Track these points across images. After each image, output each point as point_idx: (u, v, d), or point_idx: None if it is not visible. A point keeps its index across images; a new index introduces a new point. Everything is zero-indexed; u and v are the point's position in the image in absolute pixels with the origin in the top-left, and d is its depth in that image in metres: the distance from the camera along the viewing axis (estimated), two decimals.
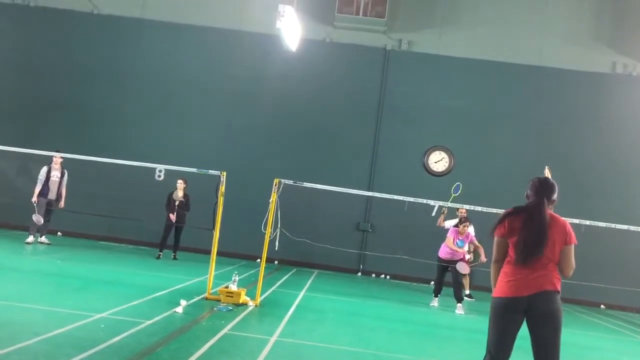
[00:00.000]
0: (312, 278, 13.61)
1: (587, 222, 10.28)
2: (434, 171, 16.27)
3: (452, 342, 8.17)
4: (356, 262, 16.24)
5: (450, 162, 16.24)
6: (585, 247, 15.45)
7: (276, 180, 9.03)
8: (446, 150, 16.30)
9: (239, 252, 15.29)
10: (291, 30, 13.29)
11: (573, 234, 4.28)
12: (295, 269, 14.93)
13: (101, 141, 15.99)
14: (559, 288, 4.20)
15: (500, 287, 4.25)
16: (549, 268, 4.22)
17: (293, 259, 15.60)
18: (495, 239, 4.37)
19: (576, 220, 10.14)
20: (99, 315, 6.50)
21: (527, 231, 4.20)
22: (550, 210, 4.35)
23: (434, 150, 16.35)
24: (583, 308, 14.57)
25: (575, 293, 14.94)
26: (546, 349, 4.12)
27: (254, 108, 16.65)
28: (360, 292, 12.38)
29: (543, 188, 4.39)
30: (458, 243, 11.13)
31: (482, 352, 4.38)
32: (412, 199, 11.50)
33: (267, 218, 8.93)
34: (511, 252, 4.28)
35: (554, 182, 4.47)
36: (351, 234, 16.24)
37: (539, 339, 4.13)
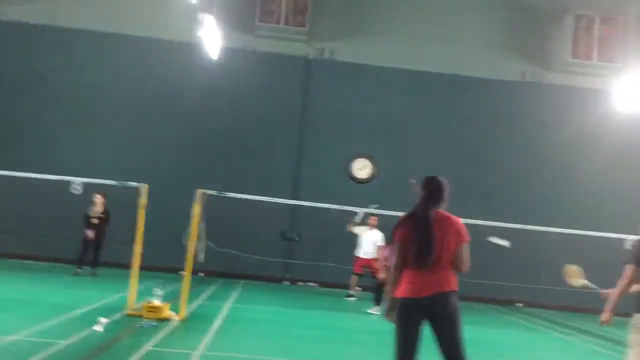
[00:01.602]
0: (238, 289, 13.46)
1: (515, 225, 10.73)
2: (358, 178, 16.51)
3: (380, 347, 8.26)
4: (283, 271, 16.18)
5: (373, 169, 16.52)
6: (505, 248, 16.02)
7: (199, 192, 8.88)
8: (369, 158, 16.57)
9: (163, 266, 14.87)
10: (211, 39, 13.16)
11: (466, 232, 4.36)
12: (221, 281, 14.70)
13: (15, 155, 15.18)
14: (455, 288, 4.29)
15: (401, 288, 4.30)
16: (446, 268, 4.29)
17: (219, 271, 15.34)
18: (395, 244, 4.41)
19: (503, 223, 10.56)
20: (11, 338, 6.15)
21: (422, 234, 4.26)
22: (441, 210, 4.39)
23: (358, 158, 16.59)
24: (502, 307, 15.13)
25: (494, 292, 15.55)
26: (450, 347, 4.20)
27: (176, 118, 16.32)
28: (287, 302, 12.35)
29: (434, 188, 4.44)
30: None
31: None
32: (337, 207, 11.61)
33: (190, 230, 8.76)
34: (409, 255, 4.30)
35: (443, 180, 4.49)
36: (277, 243, 16.18)
37: (442, 338, 4.21)
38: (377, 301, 10.79)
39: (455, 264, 4.33)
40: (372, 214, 12.57)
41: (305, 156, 16.64)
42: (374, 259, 12.32)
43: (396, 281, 4.36)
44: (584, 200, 16.23)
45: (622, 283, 5.05)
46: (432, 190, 4.43)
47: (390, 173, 16.16)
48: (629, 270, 5.05)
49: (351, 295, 13.29)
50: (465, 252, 4.35)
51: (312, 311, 11.22)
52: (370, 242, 12.71)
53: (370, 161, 16.58)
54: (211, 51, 14.04)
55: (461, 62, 16.96)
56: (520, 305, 15.81)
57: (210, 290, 12.69)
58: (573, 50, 16.87)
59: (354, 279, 13.30)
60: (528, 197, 16.41)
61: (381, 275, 11.15)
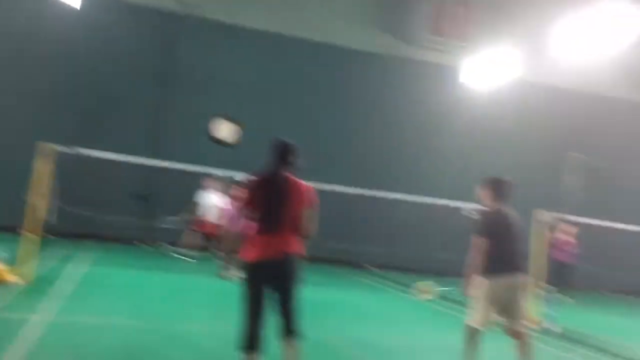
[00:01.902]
0: (93, 251, 12.93)
1: (360, 191, 11.25)
2: (221, 141, 16.30)
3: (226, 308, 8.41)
4: (139, 232, 15.76)
5: (238, 132, 16.40)
6: (355, 213, 16.83)
7: (43, 145, 8.30)
8: (234, 121, 16.40)
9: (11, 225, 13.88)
10: None
11: (314, 197, 4.51)
12: (74, 243, 14.00)
13: None
14: (300, 251, 4.47)
15: (250, 251, 4.40)
16: (292, 232, 4.44)
17: (72, 232, 14.61)
18: (242, 207, 4.51)
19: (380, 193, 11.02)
20: None
21: (272, 198, 4.39)
22: (290, 175, 4.50)
23: (222, 120, 16.35)
24: (351, 269, 15.92)
25: (341, 254, 16.33)
26: (287, 303, 4.42)
27: (30, 68, 15.08)
28: (144, 263, 12.12)
29: (285, 151, 4.52)
30: (226, 208, 11.31)
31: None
32: (198, 168, 11.50)
33: (36, 187, 8.23)
34: (257, 218, 4.41)
35: (294, 145, 4.57)
36: (134, 203, 15.70)
37: (282, 296, 4.41)
38: (227, 264, 10.66)
39: (303, 228, 4.47)
40: (219, 177, 12.55)
41: (166, 114, 16.16)
42: (217, 223, 12.12)
43: (242, 244, 4.46)
44: (436, 170, 17.42)
45: (473, 255, 5.56)
46: (283, 154, 4.51)
47: (255, 136, 16.16)
48: (478, 241, 5.57)
49: (190, 257, 12.96)
50: (312, 216, 4.50)
51: (167, 273, 11.10)
52: (213, 205, 12.59)
53: (236, 124, 16.42)
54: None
55: (328, 31, 17.26)
56: (370, 267, 16.73)
57: (61, 252, 12.08)
58: (431, 27, 17.78)
59: (193, 239, 12.97)
60: (383, 165, 17.26)
61: (224, 238, 11.27)
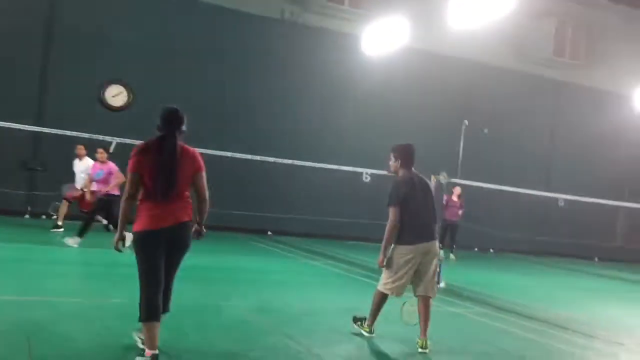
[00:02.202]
0: None
1: (258, 158, 11.13)
2: (112, 106, 15.50)
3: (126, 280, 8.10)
4: (24, 204, 14.76)
5: (129, 96, 15.66)
6: (255, 180, 16.72)
7: None
8: (125, 85, 15.65)
9: None
10: None
11: (202, 162, 4.51)
12: None
13: None
14: (191, 218, 4.46)
15: (141, 221, 4.32)
16: (184, 199, 4.42)
17: None
18: (129, 174, 4.35)
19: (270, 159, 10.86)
20: None
21: (160, 165, 4.29)
22: (179, 141, 4.43)
23: (111, 84, 15.55)
24: (253, 235, 15.86)
25: (246, 223, 16.22)
26: (174, 267, 4.47)
27: None
28: (29, 237, 11.36)
29: (173, 119, 4.43)
30: (98, 174, 10.72)
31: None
32: (86, 135, 10.90)
33: None
34: (147, 186, 4.32)
35: (183, 112, 4.52)
36: (17, 173, 14.65)
37: (170, 261, 4.40)
38: (80, 233, 10.12)
39: (196, 193, 4.48)
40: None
41: (52, 80, 15.11)
42: (84, 190, 11.63)
43: (129, 212, 4.35)
44: (335, 137, 17.54)
45: (389, 226, 5.62)
46: (172, 121, 4.41)
47: (146, 101, 15.50)
48: (393, 213, 5.62)
49: (59, 227, 12.22)
50: (203, 180, 4.50)
51: (55, 246, 10.45)
52: (80, 171, 12.12)
53: (126, 88, 15.67)
54: None
55: None
56: (270, 233, 16.75)
57: None
58: None
59: (63, 208, 12.35)
60: (281, 132, 17.16)
61: (90, 206, 10.96)
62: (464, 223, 16.53)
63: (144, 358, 4.23)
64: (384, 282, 5.80)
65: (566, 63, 21.08)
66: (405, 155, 5.89)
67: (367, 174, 16.87)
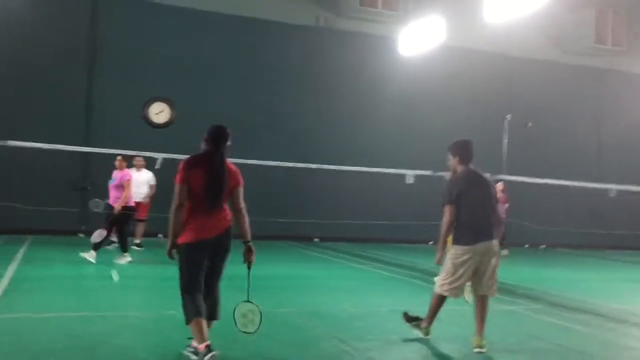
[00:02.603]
0: (25, 246, 12.35)
1: (301, 165, 11.21)
2: (155, 123, 15.91)
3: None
4: (77, 223, 15.21)
5: (171, 113, 16.03)
6: (299, 188, 16.84)
7: None
8: (167, 101, 16.02)
9: None
10: None
11: (241, 177, 4.76)
12: (5, 238, 13.35)
13: None
14: (232, 224, 4.70)
15: (188, 233, 4.55)
16: (226, 209, 4.70)
17: (6, 227, 13.91)
18: (177, 185, 4.55)
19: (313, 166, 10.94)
20: None
21: (211, 177, 4.54)
22: (224, 156, 4.68)
23: (154, 102, 15.95)
24: (301, 243, 15.94)
25: (293, 231, 16.32)
26: (218, 275, 4.75)
27: None
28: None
29: (221, 136, 4.70)
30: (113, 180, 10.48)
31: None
32: (133, 152, 11.17)
33: None
34: (195, 198, 4.54)
35: (228, 129, 4.76)
36: (69, 193, 15.11)
37: (214, 269, 4.70)
38: (95, 247, 10.17)
39: (235, 206, 4.71)
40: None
41: (97, 100, 15.56)
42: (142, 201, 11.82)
43: (178, 221, 4.56)
44: (375, 140, 17.50)
45: (445, 225, 5.50)
46: (220, 137, 4.69)
47: (189, 117, 15.82)
48: (447, 211, 5.48)
49: (139, 245, 12.41)
50: (241, 194, 4.75)
51: (109, 261, 10.73)
52: (141, 183, 12.08)
53: (168, 105, 16.04)
54: None
55: (258, 6, 16.94)
56: (317, 240, 16.78)
57: None
58: None
59: (141, 227, 12.51)
60: (322, 139, 17.22)
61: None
62: (512, 219, 16.26)
63: (201, 351, 4.39)
64: (440, 283, 5.65)
65: (609, 50, 20.51)
66: (463, 151, 5.73)
67: (410, 176, 16.79)
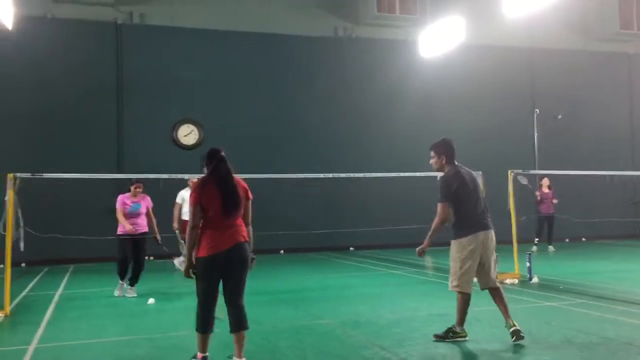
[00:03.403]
0: (68, 274, 12.66)
1: (331, 175, 11.24)
2: (184, 145, 16.17)
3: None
4: (111, 251, 15.42)
5: (199, 134, 16.27)
6: (330, 198, 16.78)
7: (10, 175, 8.14)
8: (194, 123, 16.27)
9: None
10: (4, 6, 11.88)
11: (250, 192, 5.04)
12: (47, 268, 13.69)
13: None
14: (247, 239, 4.94)
15: (204, 247, 4.79)
16: (238, 223, 4.91)
17: (44, 258, 14.29)
18: (191, 207, 4.85)
19: (342, 174, 10.98)
20: None
21: (225, 195, 4.80)
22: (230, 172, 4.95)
23: (182, 124, 16.22)
24: (336, 253, 15.93)
25: (329, 241, 16.32)
26: (239, 285, 4.90)
27: None
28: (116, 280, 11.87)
29: (216, 154, 4.99)
30: (133, 207, 9.63)
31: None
32: (165, 176, 11.33)
33: (5, 218, 8.04)
34: (210, 213, 4.79)
35: (224, 151, 5.04)
36: (106, 220, 15.37)
37: (234, 279, 4.87)
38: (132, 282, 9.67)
39: (245, 219, 4.98)
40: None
41: (126, 126, 15.86)
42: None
43: (194, 240, 4.81)
44: (399, 145, 17.43)
45: (438, 220, 5.76)
46: (222, 159, 4.96)
47: (217, 136, 16.02)
48: (442, 208, 5.75)
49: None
50: (249, 207, 5.03)
51: (148, 285, 10.88)
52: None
53: (196, 126, 16.29)
54: (5, 19, 12.64)
55: (275, 21, 17.11)
56: (353, 249, 16.76)
57: (35, 280, 11.81)
58: (378, 4, 17.70)
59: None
60: (349, 148, 17.24)
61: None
62: (552, 214, 16.02)
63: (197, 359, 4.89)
64: (451, 280, 5.83)
65: (636, 35, 20.10)
66: (448, 149, 6.01)
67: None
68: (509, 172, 10.71)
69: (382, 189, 16.46)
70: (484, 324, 6.49)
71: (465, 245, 5.69)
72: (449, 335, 5.83)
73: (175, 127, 16.12)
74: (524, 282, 9.67)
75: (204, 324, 4.87)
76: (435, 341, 5.83)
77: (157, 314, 7.96)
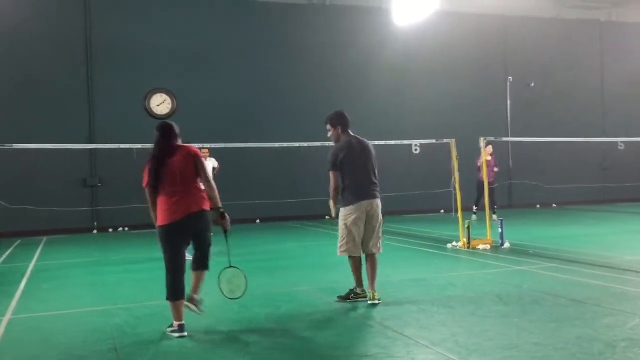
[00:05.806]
0: (41, 246, 12.52)
1: (306, 144, 11.21)
2: (157, 114, 15.95)
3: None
4: (89, 220, 15.35)
5: (172, 103, 16.05)
6: (309, 165, 16.74)
7: None
8: (167, 92, 16.04)
9: None
10: None
11: (198, 151, 5.19)
12: (19, 240, 13.54)
13: None
14: (205, 207, 5.05)
15: (161, 216, 5.00)
16: (192, 192, 5.03)
17: (16, 230, 14.13)
18: (146, 178, 5.10)
19: (317, 143, 10.94)
20: None
21: (161, 167, 5.01)
22: (177, 143, 5.18)
23: (155, 93, 15.97)
24: (312, 221, 15.99)
25: (305, 209, 16.37)
26: (206, 244, 5.19)
27: None
28: (98, 250, 11.83)
29: (162, 131, 5.22)
30: None
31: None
32: (139, 145, 11.19)
33: None
34: (159, 185, 5.03)
35: (171, 123, 5.28)
36: (79, 191, 15.24)
37: (199, 242, 5.15)
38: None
39: (201, 180, 5.09)
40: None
41: (97, 95, 15.57)
42: None
43: (153, 206, 5.08)
44: (375, 112, 17.44)
45: (331, 189, 6.08)
46: (165, 132, 5.19)
47: (191, 105, 15.85)
48: (332, 176, 6.08)
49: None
50: (202, 165, 5.11)
51: (126, 254, 10.86)
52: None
53: (168, 95, 16.06)
54: None
55: None
56: (328, 217, 16.79)
57: (8, 252, 11.67)
58: None
59: None
60: (324, 115, 17.15)
61: None
62: (521, 180, 16.24)
63: (173, 328, 5.03)
64: (339, 246, 6.11)
65: (607, 1, 20.25)
66: (341, 119, 6.28)
67: (416, 145, 16.77)
68: (481, 139, 10.79)
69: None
70: (458, 288, 6.62)
71: (349, 213, 5.97)
72: (350, 297, 6.18)
73: (147, 96, 15.87)
74: (496, 248, 9.86)
75: (174, 291, 5.01)
76: (338, 301, 6.16)
77: (132, 284, 7.94)
